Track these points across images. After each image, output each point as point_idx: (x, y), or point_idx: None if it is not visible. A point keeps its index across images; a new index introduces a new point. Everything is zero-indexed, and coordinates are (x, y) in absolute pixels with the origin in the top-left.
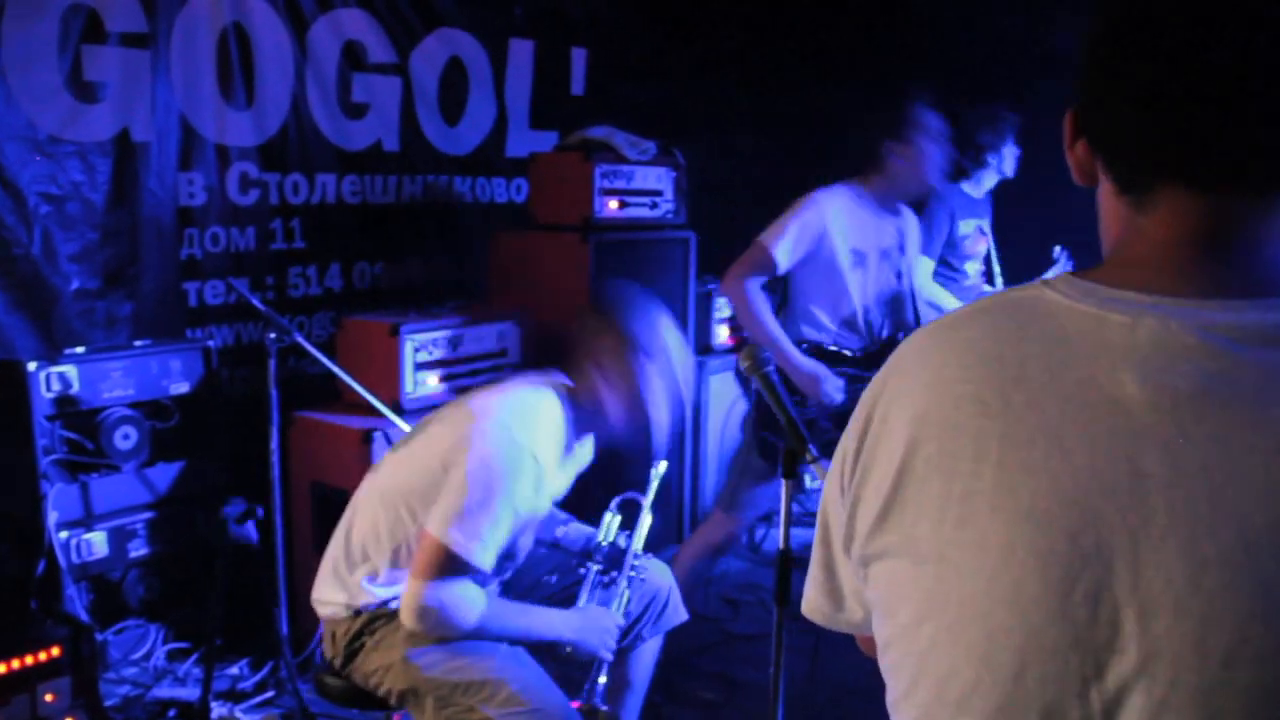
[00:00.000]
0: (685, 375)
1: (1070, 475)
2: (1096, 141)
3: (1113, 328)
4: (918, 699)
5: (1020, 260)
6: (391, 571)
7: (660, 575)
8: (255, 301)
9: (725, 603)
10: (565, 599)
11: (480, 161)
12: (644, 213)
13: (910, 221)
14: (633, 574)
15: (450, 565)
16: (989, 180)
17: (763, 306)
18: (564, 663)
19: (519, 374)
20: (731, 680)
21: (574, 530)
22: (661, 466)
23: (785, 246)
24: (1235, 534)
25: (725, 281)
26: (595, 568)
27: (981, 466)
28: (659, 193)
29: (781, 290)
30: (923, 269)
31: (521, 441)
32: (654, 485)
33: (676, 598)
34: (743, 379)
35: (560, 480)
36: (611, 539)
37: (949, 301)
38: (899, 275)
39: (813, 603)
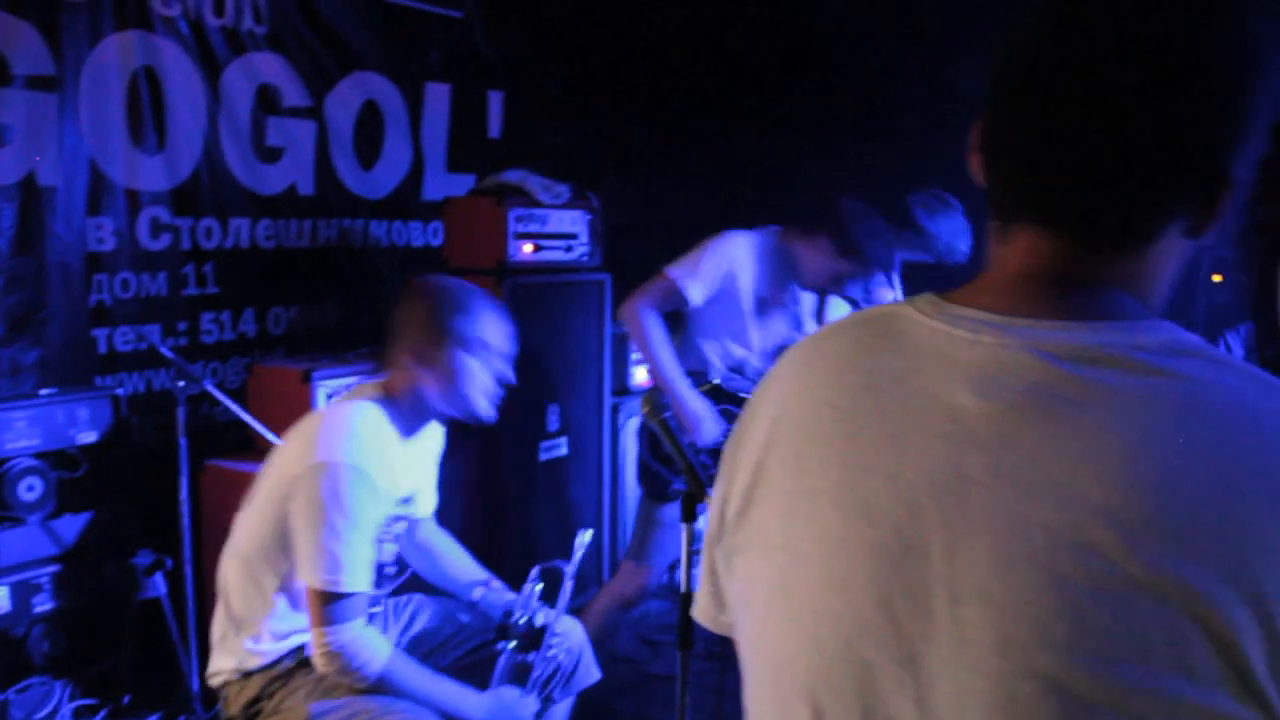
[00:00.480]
0: (505, 364)
1: (903, 476)
2: (982, 164)
3: (957, 343)
4: (761, 685)
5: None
6: (271, 628)
7: (572, 636)
8: (163, 349)
9: (644, 644)
10: (472, 667)
11: (397, 205)
12: (559, 256)
13: None
14: (551, 653)
15: (333, 605)
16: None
17: (660, 337)
18: None
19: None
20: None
21: (493, 594)
22: (586, 535)
23: (697, 285)
24: (1041, 534)
25: (625, 306)
26: (511, 645)
27: (828, 465)
28: (574, 236)
29: (678, 322)
30: (837, 311)
31: (340, 461)
32: (578, 554)
33: (588, 657)
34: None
35: (411, 472)
36: (530, 615)
37: None
38: (798, 326)
39: (701, 606)
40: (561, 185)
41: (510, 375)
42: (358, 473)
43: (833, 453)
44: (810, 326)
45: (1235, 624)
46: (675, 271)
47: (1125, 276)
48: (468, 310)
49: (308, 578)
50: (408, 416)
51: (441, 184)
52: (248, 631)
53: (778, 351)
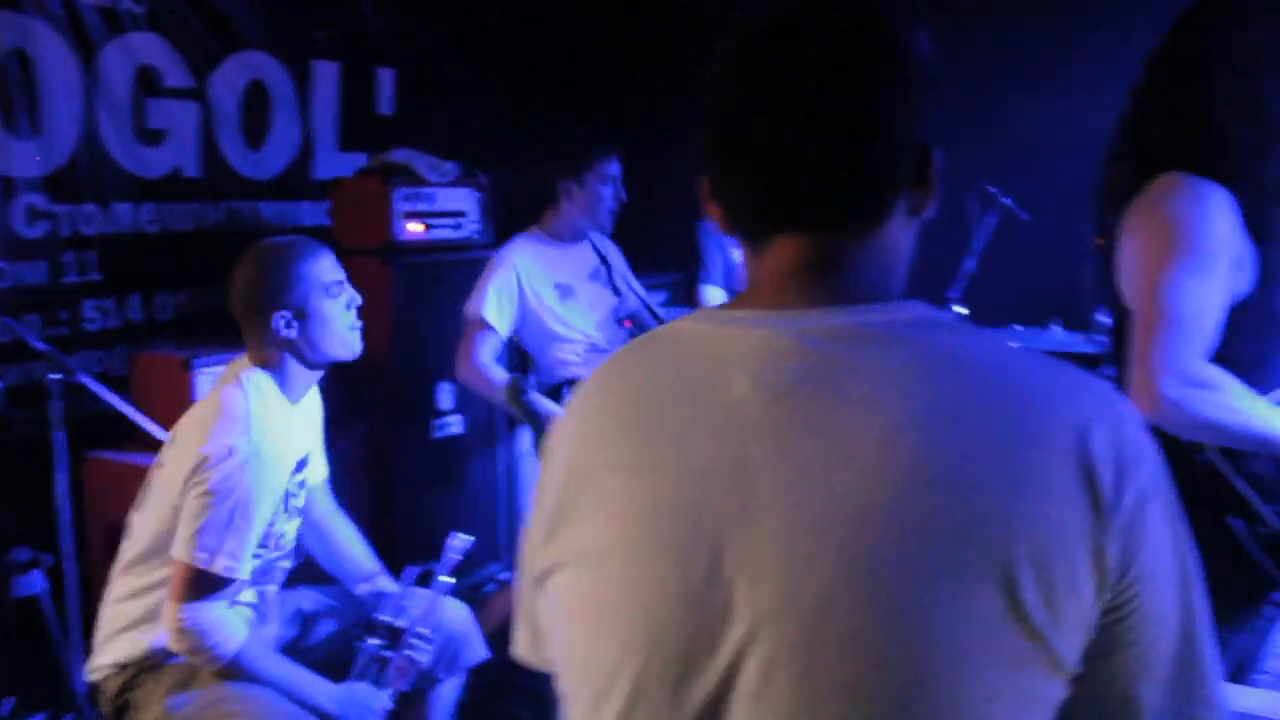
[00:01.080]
0: (349, 290)
1: (690, 469)
2: (720, 203)
3: (730, 341)
4: (576, 698)
5: None
6: (156, 625)
7: (456, 616)
8: (32, 339)
9: None
10: (337, 659)
11: (287, 186)
12: (448, 234)
13: (605, 241)
14: (410, 652)
15: (198, 582)
16: None
17: (499, 376)
18: None
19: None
20: (543, 698)
21: (375, 588)
22: (460, 539)
23: (493, 309)
24: (821, 504)
25: (459, 373)
26: (372, 642)
27: (619, 472)
28: (462, 214)
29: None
30: (712, 298)
31: (231, 447)
32: (450, 556)
33: (475, 637)
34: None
35: (303, 436)
36: (395, 615)
37: None
38: (617, 291)
39: (522, 643)
40: (450, 164)
41: (357, 296)
42: (250, 457)
43: (627, 462)
44: (623, 273)
45: (1011, 565)
46: (472, 309)
47: (870, 261)
48: (291, 259)
49: (179, 552)
50: (289, 381)
51: (334, 163)
52: (135, 628)
53: (621, 317)
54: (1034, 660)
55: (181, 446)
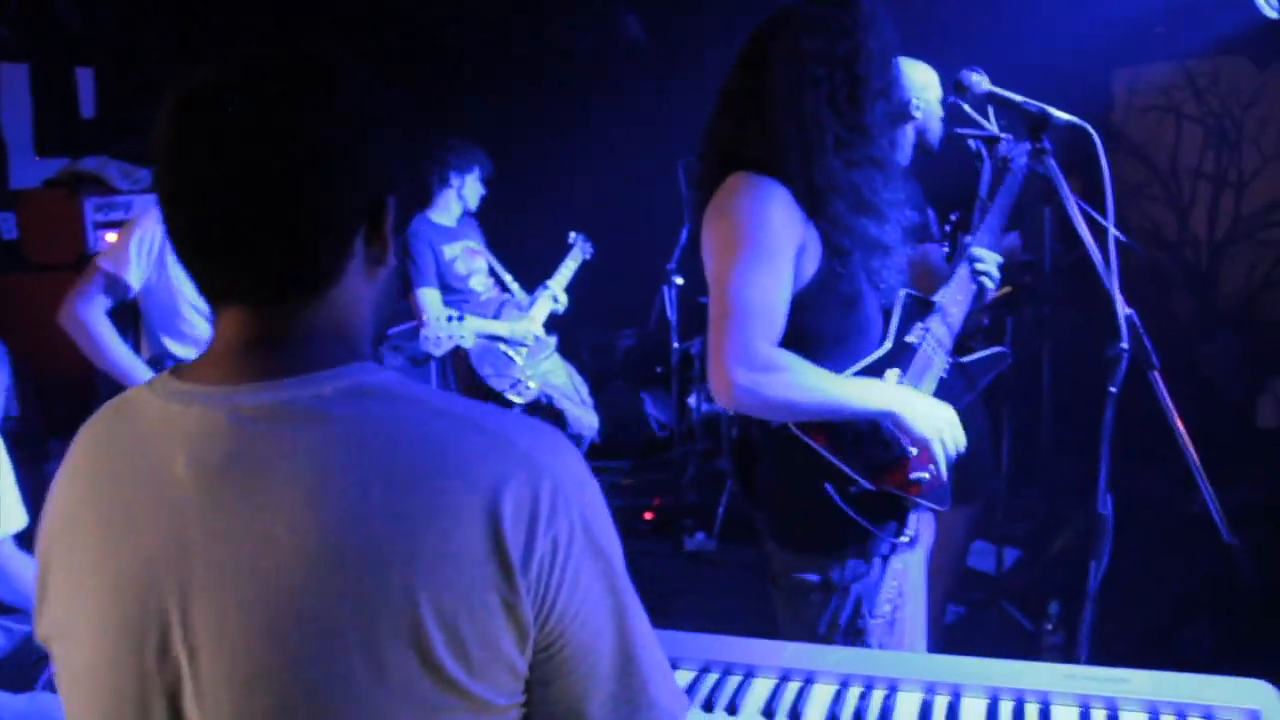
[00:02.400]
0: None
1: (142, 549)
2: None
3: (174, 416)
4: None
5: (544, 253)
6: None
7: None
8: None
9: None
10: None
11: None
12: None
13: None
14: None
15: None
16: (455, 207)
17: (110, 335)
18: None
19: None
20: None
21: None
22: None
23: (133, 268)
24: (250, 586)
25: (62, 311)
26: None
27: (84, 551)
28: None
29: (130, 319)
30: (429, 300)
31: None
32: None
33: None
34: None
35: None
36: None
37: (457, 330)
38: None
39: None
40: (143, 170)
41: None
42: None
43: (90, 541)
44: None
45: (420, 628)
46: (106, 260)
47: (319, 327)
48: None
49: None
50: None
51: (33, 170)
52: None
53: None
54: (455, 706)
55: None
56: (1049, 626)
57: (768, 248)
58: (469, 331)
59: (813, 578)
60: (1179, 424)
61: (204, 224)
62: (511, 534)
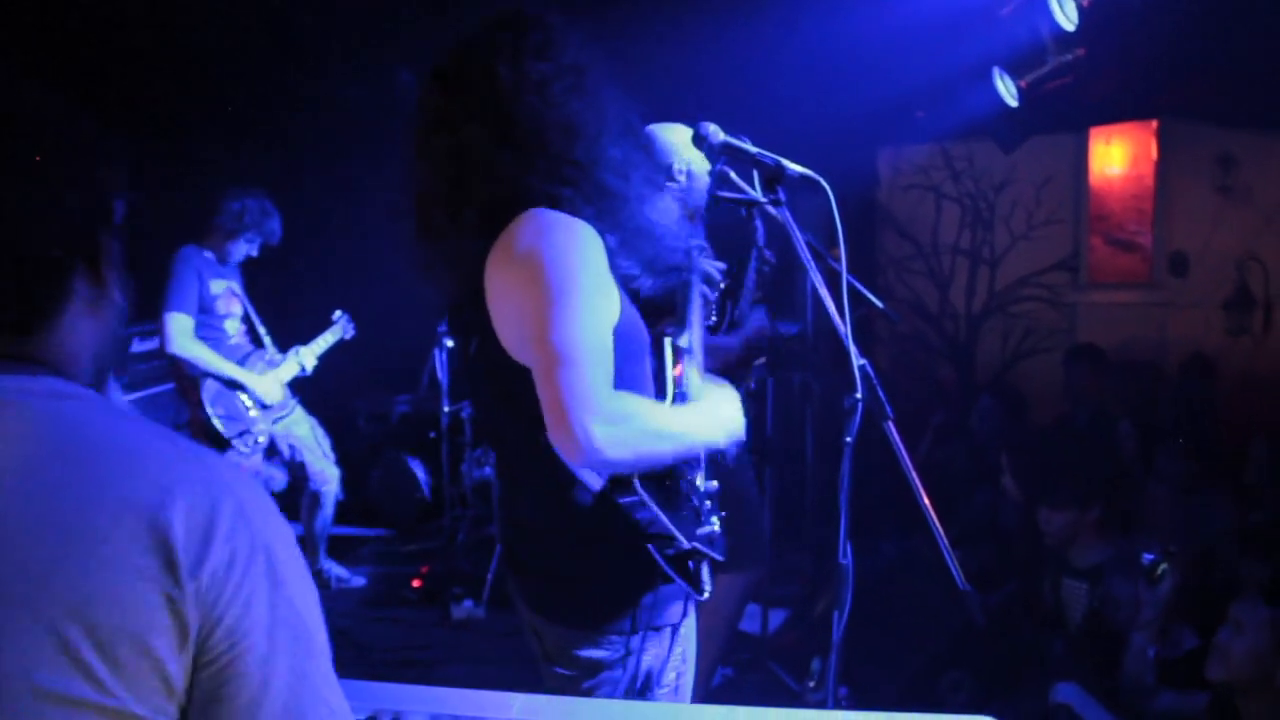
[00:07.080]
0: None
1: None
2: None
3: None
4: None
5: (306, 324)
6: None
7: None
8: None
9: None
10: None
11: None
12: None
13: None
14: None
15: None
16: (238, 251)
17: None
18: None
19: None
20: None
21: None
22: None
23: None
24: None
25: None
26: None
27: None
28: None
29: None
30: (179, 326)
31: None
32: None
33: None
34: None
35: None
36: None
37: (209, 358)
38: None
39: None
40: None
41: None
42: None
43: None
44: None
45: (63, 623)
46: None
47: (47, 353)
48: None
49: None
50: None
51: None
52: None
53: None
54: (98, 706)
55: None
56: (811, 684)
57: (588, 287)
58: (212, 358)
59: (600, 654)
60: (914, 475)
61: None
62: (183, 533)
